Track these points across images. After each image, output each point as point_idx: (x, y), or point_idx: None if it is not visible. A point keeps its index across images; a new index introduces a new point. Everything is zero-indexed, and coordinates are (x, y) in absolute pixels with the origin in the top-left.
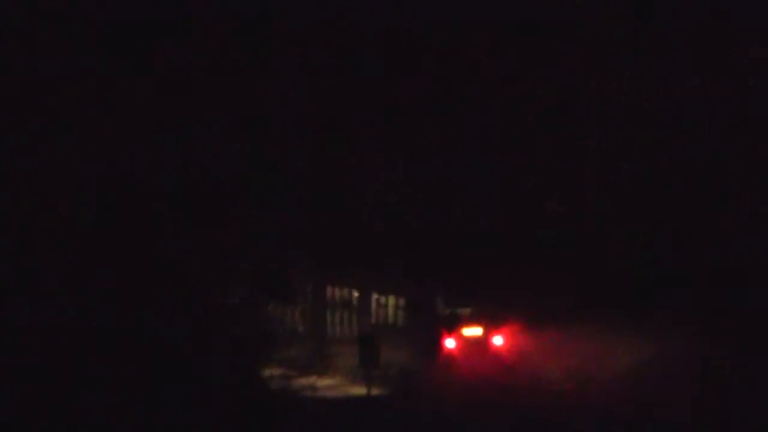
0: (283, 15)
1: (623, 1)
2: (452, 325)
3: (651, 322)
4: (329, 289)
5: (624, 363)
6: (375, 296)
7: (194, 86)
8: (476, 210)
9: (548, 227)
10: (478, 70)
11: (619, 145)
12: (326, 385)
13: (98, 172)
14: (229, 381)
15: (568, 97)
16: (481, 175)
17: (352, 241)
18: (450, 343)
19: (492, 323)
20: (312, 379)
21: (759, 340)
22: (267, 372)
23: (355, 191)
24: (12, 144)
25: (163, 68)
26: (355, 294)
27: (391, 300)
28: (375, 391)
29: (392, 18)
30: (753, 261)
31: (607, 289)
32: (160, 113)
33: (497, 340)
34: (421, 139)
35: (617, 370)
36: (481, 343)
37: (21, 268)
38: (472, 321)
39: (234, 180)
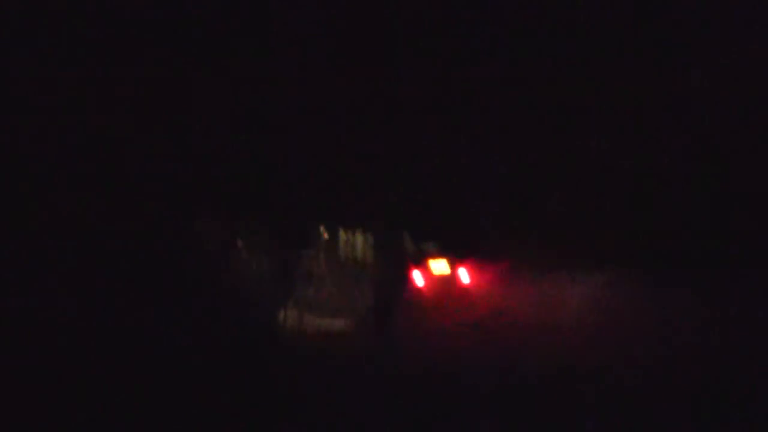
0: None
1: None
2: (419, 260)
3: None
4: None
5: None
6: (342, 234)
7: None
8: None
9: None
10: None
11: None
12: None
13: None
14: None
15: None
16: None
17: (320, 178)
18: (417, 278)
19: (460, 258)
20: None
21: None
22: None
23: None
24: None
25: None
26: (323, 232)
27: (359, 237)
28: (343, 325)
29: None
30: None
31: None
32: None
33: (464, 277)
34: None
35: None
36: (449, 279)
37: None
38: (439, 255)
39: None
